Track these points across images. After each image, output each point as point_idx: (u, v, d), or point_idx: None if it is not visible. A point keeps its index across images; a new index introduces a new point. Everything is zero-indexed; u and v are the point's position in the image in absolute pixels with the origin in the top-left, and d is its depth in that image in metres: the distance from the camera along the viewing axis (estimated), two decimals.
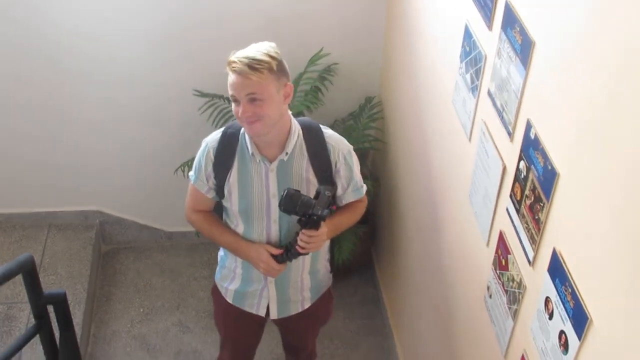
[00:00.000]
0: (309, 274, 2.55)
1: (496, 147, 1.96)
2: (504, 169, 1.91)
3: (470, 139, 2.21)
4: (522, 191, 1.77)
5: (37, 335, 2.68)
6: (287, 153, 2.29)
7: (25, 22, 3.27)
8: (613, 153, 1.35)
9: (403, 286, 3.35)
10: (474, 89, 2.12)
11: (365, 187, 2.51)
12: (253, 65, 2.08)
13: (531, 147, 1.71)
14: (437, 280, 2.71)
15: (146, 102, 3.58)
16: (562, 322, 1.56)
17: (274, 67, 2.11)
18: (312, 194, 2.26)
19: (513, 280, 1.88)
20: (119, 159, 3.78)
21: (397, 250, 3.43)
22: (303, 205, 2.19)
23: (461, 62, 2.24)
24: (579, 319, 1.48)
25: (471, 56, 2.14)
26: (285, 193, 2.19)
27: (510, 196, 1.86)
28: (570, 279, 1.52)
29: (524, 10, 1.74)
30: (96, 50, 3.38)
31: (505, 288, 1.94)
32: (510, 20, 1.80)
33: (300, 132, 2.33)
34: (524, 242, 1.78)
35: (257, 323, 2.72)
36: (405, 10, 3.03)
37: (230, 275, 2.58)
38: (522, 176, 1.77)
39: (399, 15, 3.15)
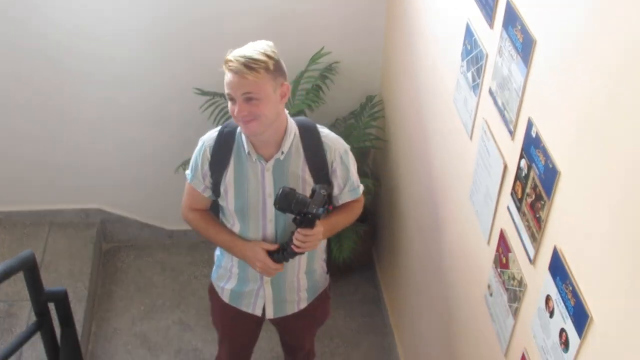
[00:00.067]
0: (305, 274, 2.54)
1: (497, 146, 1.96)
2: (505, 167, 1.91)
3: (471, 138, 2.21)
4: (523, 189, 1.77)
5: (38, 333, 2.68)
6: (283, 152, 2.29)
7: (25, 22, 3.28)
8: (614, 151, 1.35)
9: (404, 285, 3.35)
10: (475, 87, 2.12)
11: (362, 187, 2.50)
12: (250, 65, 2.07)
13: (532, 146, 1.71)
14: (438, 279, 2.71)
15: (147, 101, 3.58)
16: (562, 320, 1.56)
17: (271, 67, 2.11)
18: (308, 194, 2.26)
19: (514, 278, 1.88)
20: (120, 157, 3.78)
21: (397, 249, 3.43)
22: (298, 204, 2.19)
23: (462, 60, 2.24)
24: (580, 317, 1.48)
25: (472, 54, 2.14)
26: (280, 191, 2.19)
27: (511, 194, 1.86)
28: (571, 277, 1.52)
29: (525, 8, 1.74)
30: (97, 50, 3.38)
31: (506, 286, 1.94)
32: (512, 19, 1.80)
33: (297, 131, 2.32)
34: (524, 240, 1.78)
35: (254, 322, 2.71)
36: (406, 9, 3.03)
37: (227, 275, 2.58)
38: (523, 174, 1.77)
39: (399, 13, 3.15)
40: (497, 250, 1.99)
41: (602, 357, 1.42)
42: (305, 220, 2.22)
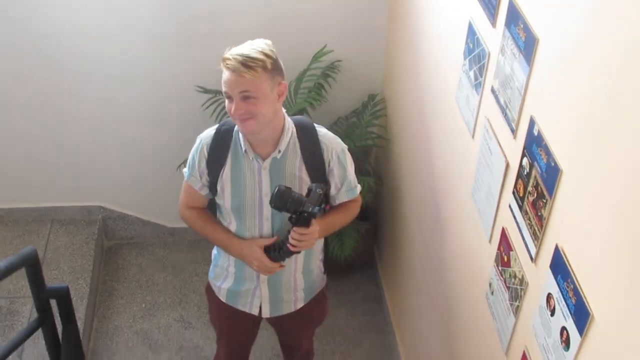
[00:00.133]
0: (302, 274, 2.54)
1: (499, 144, 1.96)
2: (507, 165, 1.91)
3: (473, 136, 2.21)
4: (525, 188, 1.77)
5: (40, 330, 2.68)
6: (280, 151, 2.28)
7: (25, 22, 3.28)
8: (616, 149, 1.35)
9: (405, 283, 3.35)
10: (478, 86, 2.13)
11: (359, 187, 2.49)
12: (247, 63, 2.07)
13: (534, 144, 1.71)
14: (439, 277, 2.71)
15: (148, 99, 3.59)
16: (563, 318, 1.56)
17: (268, 66, 2.10)
18: (304, 193, 2.25)
19: (515, 276, 1.88)
20: (121, 156, 3.79)
21: (399, 247, 3.43)
22: (294, 203, 2.18)
23: (465, 59, 2.24)
24: (581, 315, 1.48)
25: (475, 53, 2.14)
26: (276, 190, 2.18)
27: (513, 193, 1.86)
28: (573, 275, 1.52)
29: (528, 7, 1.74)
30: (97, 49, 3.39)
31: (507, 285, 1.94)
32: (514, 17, 1.80)
33: (294, 130, 2.32)
34: (526, 238, 1.79)
35: (251, 321, 2.71)
36: (409, 8, 3.03)
37: (223, 274, 2.57)
38: (525, 173, 1.77)
39: (402, 12, 3.15)
40: (499, 249, 1.99)
41: (603, 355, 1.42)
42: (301, 219, 2.22)
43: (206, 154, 2.34)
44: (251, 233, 2.40)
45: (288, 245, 2.29)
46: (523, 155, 1.78)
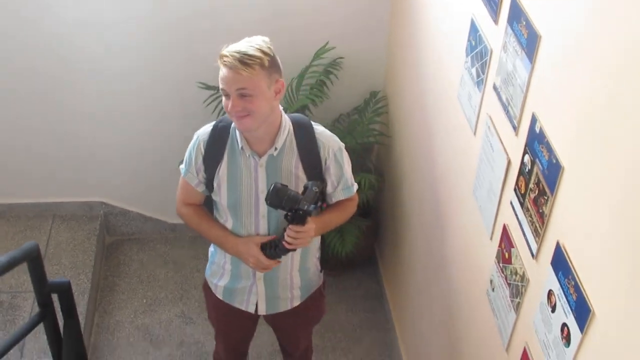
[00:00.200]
0: (298, 272, 2.53)
1: (501, 141, 1.96)
2: (509, 162, 1.91)
3: (475, 133, 2.21)
4: (527, 185, 1.78)
5: (41, 324, 2.69)
6: (276, 148, 2.28)
7: (25, 15, 3.28)
8: (618, 147, 1.35)
9: (406, 280, 3.36)
10: (480, 83, 2.13)
11: (356, 186, 2.48)
12: (244, 61, 2.06)
13: (536, 141, 1.71)
14: (440, 274, 2.72)
15: (150, 95, 3.59)
16: (564, 314, 1.57)
17: (266, 63, 2.09)
18: (300, 190, 2.24)
19: (516, 273, 1.88)
20: (123, 151, 3.79)
21: (400, 244, 3.44)
22: (289, 200, 2.17)
23: (467, 56, 2.24)
24: (582, 312, 1.49)
25: (477, 50, 2.14)
26: (272, 187, 2.17)
27: (515, 190, 1.86)
28: (574, 272, 1.53)
29: (530, 4, 1.74)
30: (100, 45, 3.39)
31: (508, 281, 1.94)
32: (516, 14, 1.80)
33: (291, 128, 2.32)
34: (527, 235, 1.79)
35: (248, 319, 2.70)
36: (411, 5, 3.03)
37: (220, 272, 2.57)
38: (527, 170, 1.77)
39: (404, 9, 3.15)
40: (500, 246, 1.99)
41: (603, 351, 1.43)
42: (297, 217, 2.21)
43: (203, 150, 2.34)
44: (247, 230, 2.40)
45: (284, 242, 2.28)
46: (525, 152, 1.78)
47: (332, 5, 3.36)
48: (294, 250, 2.34)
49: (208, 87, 3.44)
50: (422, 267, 3.04)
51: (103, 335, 3.59)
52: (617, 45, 1.35)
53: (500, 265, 2.00)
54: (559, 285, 1.60)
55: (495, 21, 1.98)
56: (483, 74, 2.09)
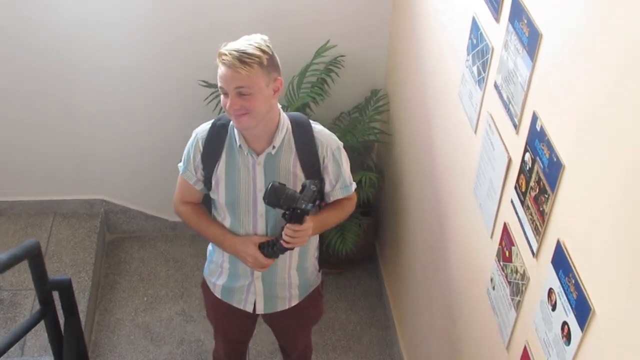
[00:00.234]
0: (296, 271, 2.53)
1: (502, 139, 1.96)
2: (509, 161, 1.91)
3: (475, 132, 2.21)
4: (527, 183, 1.78)
5: (42, 322, 2.69)
6: (274, 147, 2.28)
7: (25, 13, 3.28)
8: (618, 145, 1.35)
9: (406, 278, 3.36)
10: (481, 81, 2.13)
11: (354, 185, 2.47)
12: (243, 59, 2.06)
13: (537, 139, 1.71)
14: (441, 273, 2.72)
15: (152, 93, 3.59)
16: (565, 313, 1.57)
17: (265, 62, 2.09)
18: (298, 189, 2.24)
19: (516, 271, 1.88)
20: (124, 149, 3.79)
21: (400, 242, 3.44)
22: (287, 199, 2.17)
23: (468, 54, 2.24)
24: (582, 310, 1.49)
25: (478, 48, 2.14)
26: (269, 186, 2.17)
27: (515, 188, 1.86)
28: (574, 270, 1.53)
29: (531, 2, 1.74)
30: (102, 42, 3.38)
31: (509, 280, 1.94)
32: (518, 13, 1.80)
33: (289, 126, 2.31)
34: (528, 233, 1.79)
35: (247, 318, 2.69)
36: (412, 3, 3.03)
37: (218, 270, 2.57)
38: (527, 168, 1.77)
39: (405, 7, 3.15)
40: (500, 244, 1.99)
41: (604, 350, 1.43)
42: (294, 215, 2.20)
43: (201, 148, 2.34)
44: (245, 229, 2.39)
45: (281, 241, 2.27)
46: (525, 151, 1.78)
47: (333, 3, 3.36)
48: (292, 249, 2.33)
49: (209, 85, 3.44)
50: (422, 266, 3.04)
51: (103, 333, 3.59)
52: (618, 43, 1.35)
53: (501, 263, 2.00)
54: (559, 284, 1.60)
55: (497, 19, 1.98)
56: (484, 72, 2.09)
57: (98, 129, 3.70)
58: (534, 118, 1.72)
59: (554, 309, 1.63)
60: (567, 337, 1.56)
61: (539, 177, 1.71)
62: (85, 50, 3.41)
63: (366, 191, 3.41)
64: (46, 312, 2.65)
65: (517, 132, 1.85)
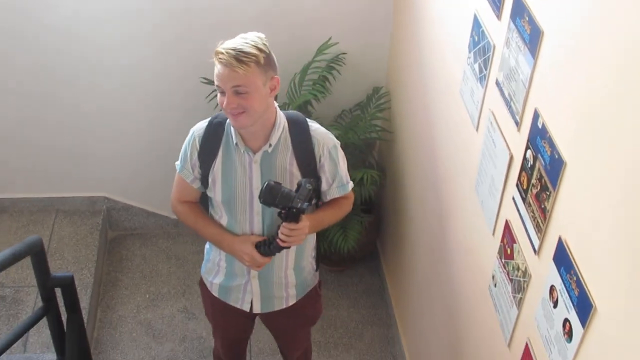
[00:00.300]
0: (293, 271, 2.52)
1: (503, 137, 1.96)
2: (511, 158, 1.91)
3: (477, 129, 2.21)
4: (529, 180, 1.78)
5: (44, 319, 2.70)
6: (271, 145, 2.27)
7: (28, 12, 3.28)
8: (620, 142, 1.36)
9: (408, 276, 3.36)
10: (482, 78, 2.13)
11: (351, 184, 2.47)
12: (240, 58, 2.06)
13: (538, 136, 1.71)
14: (442, 270, 2.72)
15: (153, 90, 3.59)
16: (566, 310, 1.57)
17: (261, 61, 2.09)
18: (294, 187, 2.24)
19: (518, 269, 1.89)
20: (126, 146, 3.80)
21: (402, 240, 3.44)
22: (283, 198, 2.16)
23: (469, 51, 2.25)
24: (584, 307, 1.49)
25: (479, 46, 2.14)
26: (265, 185, 2.16)
27: (517, 185, 1.86)
28: (576, 267, 1.53)
29: None
30: (104, 39, 3.39)
31: (510, 277, 1.95)
32: (519, 10, 1.80)
33: (286, 124, 2.31)
34: (529, 230, 1.79)
35: (245, 317, 2.68)
36: (414, 0, 3.03)
37: (215, 269, 2.57)
38: (529, 165, 1.78)
39: (407, 5, 3.15)
40: (502, 241, 2.00)
41: (605, 347, 1.43)
42: (290, 214, 2.20)
43: (198, 146, 2.34)
44: (242, 227, 2.39)
45: (278, 240, 2.27)
46: (527, 148, 1.79)
47: (334, 1, 3.36)
48: (288, 247, 2.33)
49: (210, 83, 3.43)
50: (424, 263, 3.04)
51: (106, 330, 3.60)
52: (619, 41, 1.35)
53: (502, 260, 2.00)
54: (560, 281, 1.60)
55: (498, 17, 1.98)
56: (486, 69, 2.09)
57: (100, 127, 3.70)
58: (536, 115, 1.73)
59: (555, 306, 1.63)
60: (569, 334, 1.56)
61: (540, 174, 1.71)
62: (86, 48, 3.42)
63: (368, 189, 3.42)
64: (49, 309, 2.66)
65: (519, 130, 1.85)
